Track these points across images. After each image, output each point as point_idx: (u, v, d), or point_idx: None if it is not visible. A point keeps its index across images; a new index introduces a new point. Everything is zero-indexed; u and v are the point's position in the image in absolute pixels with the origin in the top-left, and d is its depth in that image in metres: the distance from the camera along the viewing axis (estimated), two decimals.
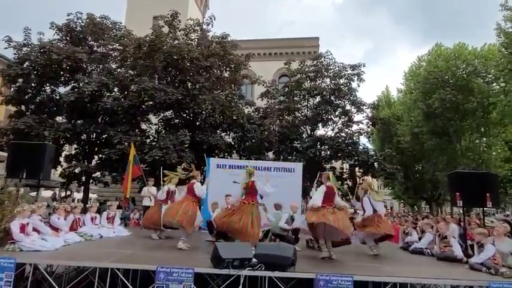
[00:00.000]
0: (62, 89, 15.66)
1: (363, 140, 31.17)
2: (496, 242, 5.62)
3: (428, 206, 30.91)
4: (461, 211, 9.35)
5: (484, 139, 21.95)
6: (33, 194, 9.81)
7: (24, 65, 14.34)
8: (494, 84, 20.07)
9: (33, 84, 14.79)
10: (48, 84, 15.33)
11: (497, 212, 20.07)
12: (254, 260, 4.76)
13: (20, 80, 14.56)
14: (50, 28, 15.45)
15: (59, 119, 15.70)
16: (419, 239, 7.92)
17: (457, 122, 20.93)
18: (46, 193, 18.77)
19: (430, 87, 21.17)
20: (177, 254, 5.99)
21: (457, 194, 7.58)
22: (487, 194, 7.30)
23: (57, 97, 15.24)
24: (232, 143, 16.47)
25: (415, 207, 34.09)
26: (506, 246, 5.55)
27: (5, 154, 10.39)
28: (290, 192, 9.90)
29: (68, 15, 15.64)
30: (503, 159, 22.42)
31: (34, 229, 6.10)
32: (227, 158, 15.53)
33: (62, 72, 15.09)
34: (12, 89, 15.34)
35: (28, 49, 14.71)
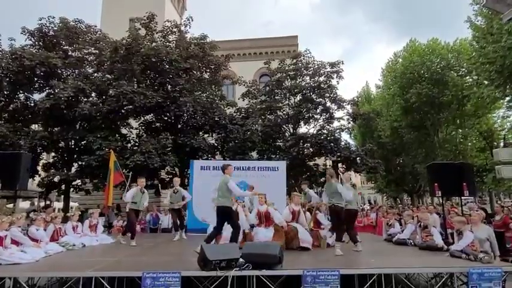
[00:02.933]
0: (36, 96, 15.20)
1: (345, 136, 31.62)
2: (473, 229, 5.83)
3: (410, 198, 31.75)
4: (440, 201, 9.64)
5: (460, 131, 22.75)
6: (11, 205, 9.49)
7: None
8: (467, 77, 20.82)
9: (5, 92, 14.29)
10: (21, 92, 14.85)
11: (474, 201, 20.83)
12: (241, 260, 4.76)
13: None
14: (21, 33, 14.96)
15: (34, 127, 15.22)
16: (402, 230, 8.12)
17: (433, 115, 21.59)
18: (24, 204, 18.14)
19: (407, 82, 21.76)
20: (163, 259, 5.92)
21: (436, 184, 7.81)
22: (464, 184, 7.55)
23: (32, 104, 14.77)
24: (215, 144, 16.39)
25: (398, 199, 34.97)
26: (482, 232, 5.77)
27: None
28: (275, 190, 9.95)
29: (40, 20, 15.15)
30: (479, 149, 23.29)
31: (13, 241, 5.90)
32: (211, 159, 15.45)
33: (35, 79, 14.63)
34: None
35: None
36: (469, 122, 21.94)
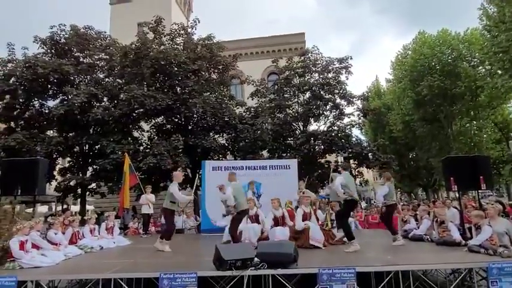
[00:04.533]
0: (50, 103, 15.50)
1: (356, 132, 31.36)
2: (491, 223, 5.71)
3: (425, 193, 31.28)
4: (457, 195, 9.49)
5: (475, 122, 22.31)
6: (30, 210, 9.73)
7: (10, 81, 14.16)
8: (480, 68, 20.38)
9: (21, 100, 14.63)
10: (36, 99, 15.17)
11: (492, 194, 20.40)
12: (256, 259, 4.78)
13: (7, 96, 14.39)
14: (33, 42, 15.26)
15: (50, 133, 15.53)
16: (418, 226, 8.03)
17: (446, 108, 21.21)
18: (42, 208, 18.58)
19: (418, 75, 21.44)
20: (179, 259, 6.00)
21: (451, 178, 7.68)
22: (480, 177, 7.41)
23: (47, 111, 15.08)
24: (226, 144, 16.45)
25: (412, 194, 34.49)
26: (501, 226, 5.64)
27: None
28: (287, 188, 9.94)
29: (51, 28, 15.44)
30: (494, 141, 22.80)
31: (33, 245, 6.06)
32: (222, 159, 15.51)
33: (49, 86, 14.92)
34: None
35: (13, 65, 14.52)
36: (484, 113, 21.50)
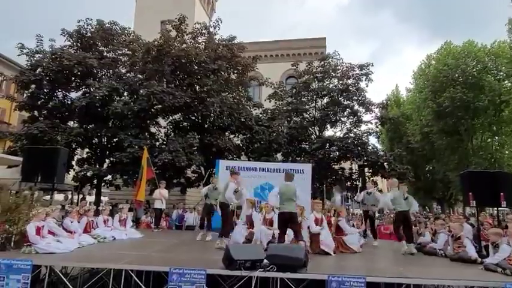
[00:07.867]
0: (73, 94, 15.91)
1: (372, 140, 31.01)
2: (510, 242, 5.53)
3: (440, 206, 30.53)
4: (473, 211, 9.21)
5: (497, 138, 21.66)
6: (47, 197, 10.02)
7: (37, 71, 14.61)
8: (506, 82, 19.79)
9: (45, 90, 15.05)
10: (60, 90, 15.59)
11: (510, 212, 19.60)
12: (266, 261, 4.78)
13: (33, 86, 14.85)
14: (61, 35, 15.72)
15: (71, 123, 15.93)
16: (432, 239, 7.84)
17: (468, 121, 20.67)
18: (59, 196, 19.04)
19: (440, 86, 20.98)
20: (190, 256, 6.05)
21: (470, 194, 7.47)
22: (501, 194, 7.18)
23: (69, 102, 15.47)
24: (241, 145, 16.49)
25: (426, 207, 33.69)
26: None
27: (20, 159, 10.59)
28: (300, 193, 9.87)
29: (78, 22, 15.88)
30: None
31: (49, 231, 6.24)
32: (236, 159, 15.56)
33: (73, 78, 15.31)
34: (25, 95, 15.66)
35: (40, 56, 14.96)
36: (507, 129, 20.86)
